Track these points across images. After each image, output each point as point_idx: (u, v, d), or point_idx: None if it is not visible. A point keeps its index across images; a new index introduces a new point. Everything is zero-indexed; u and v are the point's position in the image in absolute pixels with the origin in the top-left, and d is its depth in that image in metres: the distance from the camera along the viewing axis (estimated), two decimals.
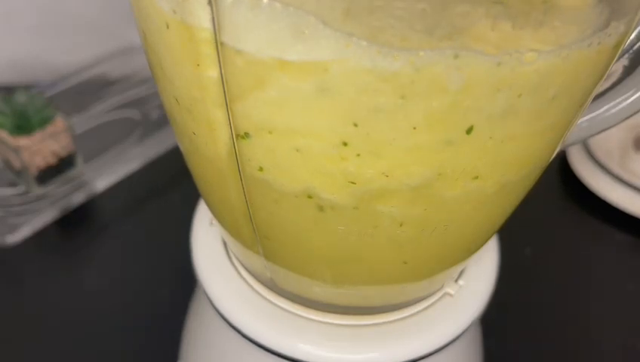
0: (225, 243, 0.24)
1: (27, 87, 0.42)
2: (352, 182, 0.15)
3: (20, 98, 0.40)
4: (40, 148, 0.39)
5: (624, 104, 0.20)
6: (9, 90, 0.40)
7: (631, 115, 0.20)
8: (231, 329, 0.22)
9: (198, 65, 0.14)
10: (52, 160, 0.41)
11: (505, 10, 0.11)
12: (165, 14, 0.14)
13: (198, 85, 0.14)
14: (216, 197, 0.20)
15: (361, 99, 0.13)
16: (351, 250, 0.18)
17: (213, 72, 0.14)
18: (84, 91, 0.47)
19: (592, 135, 0.21)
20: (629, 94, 0.20)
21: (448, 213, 0.17)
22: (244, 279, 0.23)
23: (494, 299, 0.23)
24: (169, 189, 0.44)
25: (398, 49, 0.12)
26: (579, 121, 0.20)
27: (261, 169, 0.15)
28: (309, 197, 0.16)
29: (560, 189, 0.46)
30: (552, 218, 0.43)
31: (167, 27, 0.14)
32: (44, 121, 0.39)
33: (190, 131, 0.17)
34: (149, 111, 0.46)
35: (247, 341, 0.22)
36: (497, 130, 0.14)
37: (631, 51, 0.19)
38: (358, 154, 0.14)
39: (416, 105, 0.13)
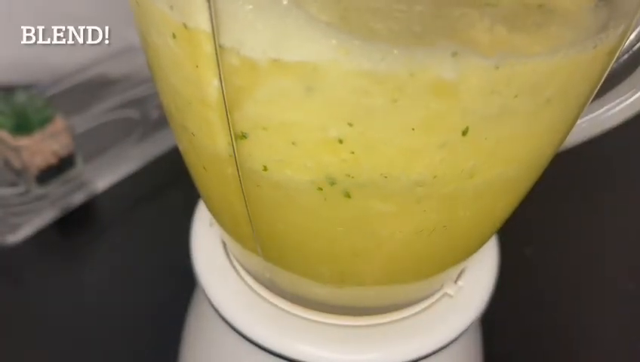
0: (224, 244, 0.24)
1: (27, 87, 0.42)
2: (350, 176, 0.15)
3: (20, 98, 0.40)
4: (40, 148, 0.39)
5: (624, 104, 0.20)
6: (9, 90, 0.40)
7: (631, 115, 0.20)
8: (230, 329, 0.22)
9: (197, 66, 0.14)
10: (52, 160, 0.41)
11: (501, 13, 0.11)
12: (165, 17, 0.14)
13: (197, 86, 0.14)
14: (216, 198, 0.20)
15: (357, 99, 0.13)
16: (351, 250, 0.18)
17: (212, 73, 0.14)
18: (84, 91, 0.47)
19: (592, 136, 0.21)
20: (629, 94, 0.20)
21: (446, 212, 0.17)
22: (243, 280, 0.23)
23: (494, 299, 0.23)
24: (169, 189, 0.44)
25: (395, 50, 0.12)
26: (578, 122, 0.20)
27: (265, 168, 0.15)
28: (313, 188, 0.16)
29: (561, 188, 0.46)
30: (553, 217, 0.43)
31: (168, 30, 0.14)
32: (44, 121, 0.39)
33: (189, 132, 0.17)
34: (149, 111, 0.46)
35: (246, 341, 0.22)
36: (493, 131, 0.14)
37: (631, 51, 0.19)
38: (353, 152, 0.14)
39: (411, 106, 0.13)
